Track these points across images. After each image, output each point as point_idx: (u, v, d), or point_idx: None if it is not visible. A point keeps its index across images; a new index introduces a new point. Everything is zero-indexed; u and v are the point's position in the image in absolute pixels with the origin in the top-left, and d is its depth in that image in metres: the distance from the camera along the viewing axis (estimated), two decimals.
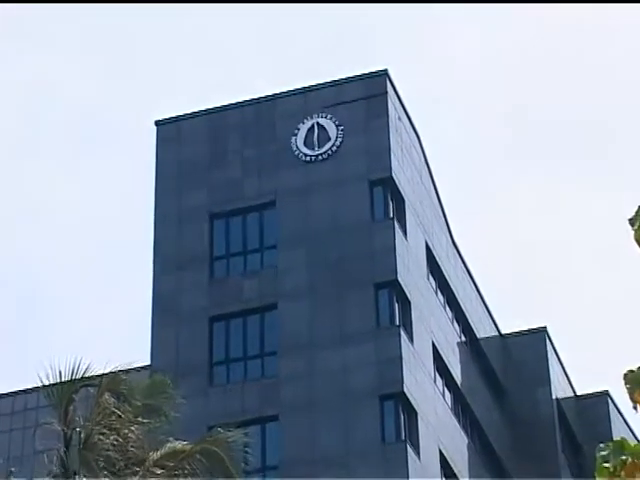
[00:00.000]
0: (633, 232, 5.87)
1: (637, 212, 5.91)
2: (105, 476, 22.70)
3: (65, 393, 23.52)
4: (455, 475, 43.93)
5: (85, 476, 22.46)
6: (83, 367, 23.59)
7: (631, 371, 5.91)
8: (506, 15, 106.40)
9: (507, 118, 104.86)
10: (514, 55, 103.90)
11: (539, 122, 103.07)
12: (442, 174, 65.61)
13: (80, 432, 23.14)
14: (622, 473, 5.76)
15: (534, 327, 54.30)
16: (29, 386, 41.06)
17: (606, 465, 5.86)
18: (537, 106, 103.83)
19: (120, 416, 23.12)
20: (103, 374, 23.93)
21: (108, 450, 22.98)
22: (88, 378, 23.77)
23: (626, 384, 5.87)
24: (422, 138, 46.94)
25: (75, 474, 22.62)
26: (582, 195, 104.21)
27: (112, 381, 23.88)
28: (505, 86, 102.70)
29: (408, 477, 38.84)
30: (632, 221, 5.90)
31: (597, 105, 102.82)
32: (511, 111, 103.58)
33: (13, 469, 23.88)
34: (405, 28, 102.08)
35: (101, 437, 23.15)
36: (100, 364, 23.95)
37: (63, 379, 23.63)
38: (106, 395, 23.54)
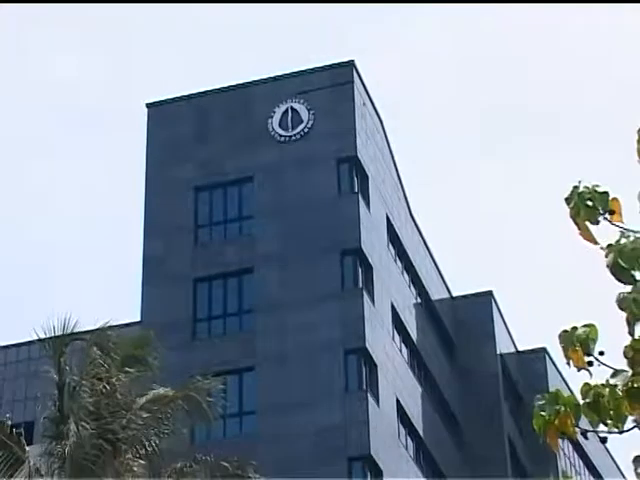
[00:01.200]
0: (569, 210, 5.88)
1: (572, 192, 5.91)
2: (95, 419, 22.71)
3: (59, 346, 23.51)
4: (410, 420, 44.17)
5: (76, 419, 22.47)
6: (74, 323, 23.62)
7: (565, 331, 5.92)
8: (468, 14, 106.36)
9: (465, 105, 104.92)
10: (474, 47, 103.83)
11: (490, 109, 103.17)
12: (402, 154, 65.56)
13: (71, 381, 23.17)
14: (556, 421, 5.77)
15: (481, 291, 54.47)
16: (31, 339, 40.96)
17: (542, 413, 5.86)
18: (490, 94, 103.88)
19: (104, 366, 23.10)
20: (93, 329, 23.93)
21: (98, 396, 22.98)
22: (79, 333, 23.77)
23: (560, 343, 5.88)
24: (384, 122, 46.96)
25: (68, 417, 22.63)
26: (528, 173, 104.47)
27: (100, 335, 23.87)
28: (466, 73, 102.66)
29: (368, 421, 39.06)
30: (568, 200, 5.90)
31: (542, 89, 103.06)
32: (468, 98, 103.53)
33: (8, 415, 23.83)
34: (374, 24, 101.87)
35: (92, 383, 23.16)
36: (93, 320, 23.99)
37: (57, 334, 23.64)
38: (94, 347, 23.54)
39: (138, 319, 41.09)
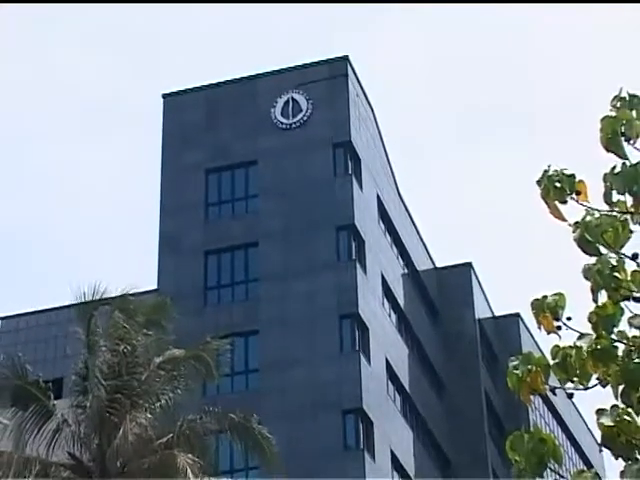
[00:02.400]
0: (540, 191, 5.87)
1: (542, 175, 5.90)
2: (116, 376, 22.74)
3: (88, 310, 23.53)
4: (398, 377, 44.28)
5: (100, 375, 22.52)
6: (100, 290, 23.63)
7: (537, 299, 5.91)
8: (455, 14, 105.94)
9: (449, 95, 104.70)
10: (456, 46, 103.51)
11: (472, 100, 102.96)
12: (391, 139, 65.51)
13: (96, 341, 23.20)
14: (528, 379, 5.77)
15: (462, 262, 54.51)
16: (61, 304, 41.01)
17: (516, 372, 5.86)
18: (472, 88, 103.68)
19: (126, 328, 23.12)
20: (116, 296, 23.92)
21: (119, 355, 23.02)
22: (104, 299, 23.76)
23: (533, 309, 5.88)
24: (375, 110, 46.85)
25: (92, 374, 22.67)
26: (505, 159, 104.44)
27: (122, 301, 23.86)
28: (450, 67, 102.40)
29: (360, 378, 39.18)
30: (539, 182, 5.89)
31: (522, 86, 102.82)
32: (452, 89, 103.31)
33: (40, 374, 23.87)
34: (368, 22, 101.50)
35: (115, 344, 23.20)
36: (116, 288, 24.00)
37: (86, 300, 23.66)
38: (117, 312, 23.55)
39: (155, 287, 41.09)
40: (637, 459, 5.55)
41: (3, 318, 48.26)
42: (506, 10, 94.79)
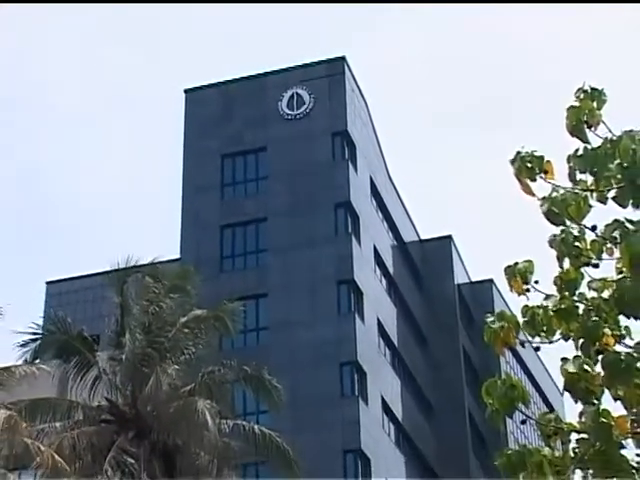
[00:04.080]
0: (513, 170, 5.85)
1: (515, 156, 5.88)
2: (146, 333, 22.78)
3: (121, 277, 23.54)
4: (388, 335, 44.35)
5: (132, 332, 22.54)
6: (133, 260, 23.63)
7: (509, 266, 5.90)
8: (443, 15, 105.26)
9: (432, 89, 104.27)
10: (446, 45, 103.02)
11: (462, 96, 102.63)
12: (382, 128, 65.30)
13: (129, 303, 23.22)
14: (501, 334, 5.77)
15: (443, 235, 54.47)
16: (98, 271, 41.04)
17: (491, 327, 5.86)
18: (455, 84, 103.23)
19: (154, 292, 23.13)
20: (145, 264, 23.90)
21: (149, 316, 23.06)
22: (135, 267, 23.75)
23: (505, 274, 5.87)
24: (368, 103, 46.66)
25: (126, 331, 22.71)
26: (481, 143, 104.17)
27: (150, 268, 23.85)
28: (436, 64, 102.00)
29: (355, 335, 39.24)
30: (512, 162, 5.87)
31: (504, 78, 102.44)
32: (435, 85, 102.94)
33: (83, 327, 23.85)
34: (363, 23, 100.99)
35: (145, 306, 23.22)
36: (144, 257, 23.99)
37: (120, 267, 23.66)
38: (147, 278, 23.54)
39: (178, 256, 41.11)
40: (594, 403, 5.56)
41: (49, 282, 48.37)
42: (494, 10, 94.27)
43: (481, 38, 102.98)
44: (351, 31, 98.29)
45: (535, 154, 5.76)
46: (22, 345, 22.45)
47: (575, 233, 5.69)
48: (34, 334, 22.91)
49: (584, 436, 5.49)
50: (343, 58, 44.09)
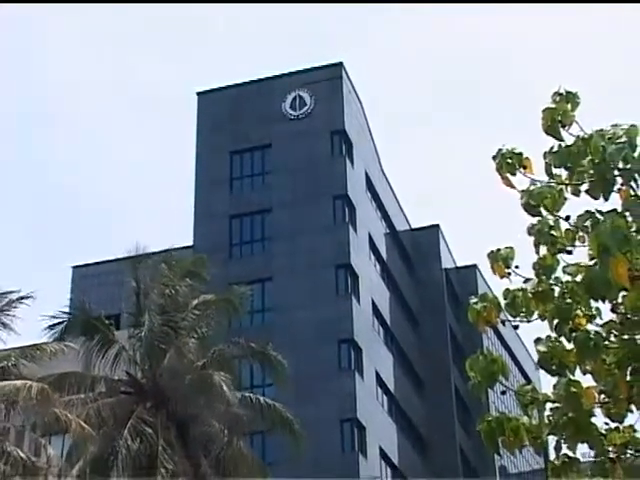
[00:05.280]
0: (495, 165, 5.86)
1: (497, 152, 5.89)
2: (162, 313, 22.79)
3: (137, 263, 23.55)
4: (381, 315, 44.40)
5: (149, 313, 22.57)
6: (149, 247, 23.63)
7: (492, 252, 5.92)
8: (433, 17, 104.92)
9: (420, 90, 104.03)
10: (436, 46, 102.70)
11: (440, 96, 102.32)
12: (376, 127, 65.25)
13: (146, 287, 23.23)
14: (484, 313, 5.79)
15: (432, 224, 54.46)
16: (117, 257, 41.02)
17: (474, 308, 5.88)
18: (439, 86, 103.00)
19: (169, 277, 23.13)
20: (161, 251, 23.90)
21: (165, 298, 23.07)
22: (152, 253, 23.75)
23: (488, 259, 5.89)
24: (364, 104, 46.59)
25: (143, 312, 22.73)
26: (467, 141, 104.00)
27: (166, 255, 23.86)
28: (425, 67, 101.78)
29: (352, 315, 39.29)
30: (494, 158, 5.88)
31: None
32: (423, 86, 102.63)
33: (104, 309, 23.91)
34: (359, 28, 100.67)
35: (161, 289, 23.22)
36: (160, 245, 24.00)
37: (137, 254, 23.66)
38: (163, 264, 23.53)
39: (191, 244, 41.13)
40: (565, 376, 5.60)
41: (75, 267, 48.40)
42: (490, 10, 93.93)
43: (471, 39, 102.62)
44: (348, 36, 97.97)
45: (515, 151, 5.78)
46: (51, 326, 22.54)
47: (551, 223, 5.71)
48: (62, 314, 22.98)
49: (557, 405, 5.53)
50: (341, 64, 44.02)
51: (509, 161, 5.75)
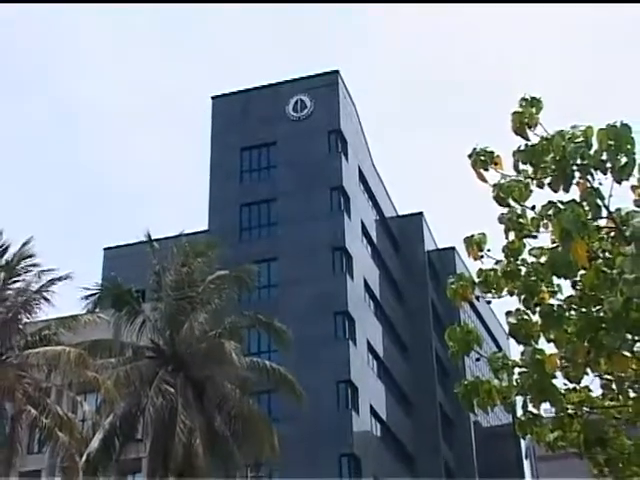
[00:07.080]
0: (470, 162, 5.88)
1: (472, 151, 5.90)
2: (180, 288, 22.79)
3: (159, 244, 23.52)
4: (372, 290, 44.43)
5: (168, 288, 22.57)
6: (170, 231, 23.63)
7: (468, 237, 5.96)
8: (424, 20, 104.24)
9: (408, 94, 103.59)
10: (425, 53, 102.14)
11: (427, 101, 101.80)
12: (368, 127, 64.91)
13: (167, 265, 23.23)
14: (461, 291, 5.82)
15: (416, 211, 54.41)
16: (140, 240, 40.80)
17: (452, 286, 5.91)
18: (428, 94, 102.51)
19: (187, 256, 23.13)
20: (181, 234, 23.88)
21: (182, 275, 23.08)
22: (172, 237, 23.73)
23: (465, 243, 5.93)
24: (357, 107, 46.41)
25: (164, 287, 22.75)
26: (448, 140, 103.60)
27: (183, 239, 23.84)
28: (414, 72, 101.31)
29: (346, 290, 39.34)
30: (470, 155, 5.89)
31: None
32: (411, 91, 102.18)
33: (133, 284, 23.88)
34: (354, 36, 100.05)
35: (179, 267, 23.23)
36: (179, 229, 23.98)
37: (158, 238, 23.62)
38: (183, 246, 23.52)
39: (206, 228, 41.11)
40: (531, 344, 5.65)
41: (106, 249, 48.46)
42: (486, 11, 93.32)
43: (461, 42, 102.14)
44: (345, 46, 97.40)
45: (487, 150, 5.81)
46: (85, 298, 22.61)
47: (519, 212, 5.75)
48: (95, 288, 23.05)
49: (524, 370, 5.59)
50: (337, 71, 43.93)
51: (482, 158, 5.78)
